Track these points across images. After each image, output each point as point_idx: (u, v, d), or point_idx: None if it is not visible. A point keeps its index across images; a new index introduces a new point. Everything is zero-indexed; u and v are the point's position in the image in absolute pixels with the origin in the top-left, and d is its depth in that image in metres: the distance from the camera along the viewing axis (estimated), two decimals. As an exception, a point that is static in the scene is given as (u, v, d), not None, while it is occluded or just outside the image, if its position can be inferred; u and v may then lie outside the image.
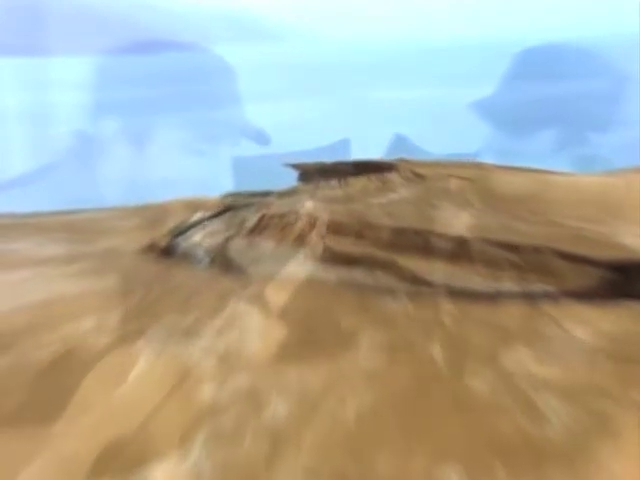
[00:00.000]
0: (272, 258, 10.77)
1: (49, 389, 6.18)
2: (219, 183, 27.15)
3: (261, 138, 31.87)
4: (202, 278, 8.90)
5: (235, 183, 28.70)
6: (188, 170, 29.12)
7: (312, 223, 11.59)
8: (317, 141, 32.33)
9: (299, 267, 10.04)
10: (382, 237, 10.31)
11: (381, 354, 6.33)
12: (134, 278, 8.69)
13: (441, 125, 33.16)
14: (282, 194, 14.89)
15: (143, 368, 6.27)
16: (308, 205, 12.61)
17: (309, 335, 6.73)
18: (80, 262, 9.48)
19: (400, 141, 32.15)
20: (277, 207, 12.76)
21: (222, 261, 10.55)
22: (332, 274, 9.68)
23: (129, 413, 5.58)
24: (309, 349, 6.48)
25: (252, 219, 12.52)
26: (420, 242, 9.96)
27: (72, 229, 11.60)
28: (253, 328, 6.96)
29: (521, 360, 6.14)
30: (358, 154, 29.86)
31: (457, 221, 10.18)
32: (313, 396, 5.61)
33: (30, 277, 8.80)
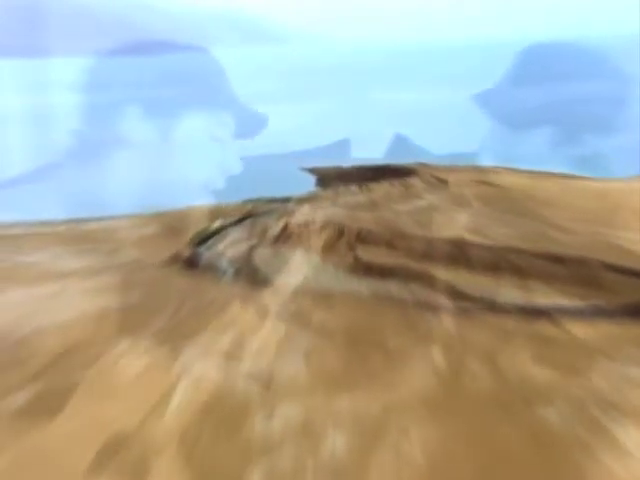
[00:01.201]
0: (300, 269, 10.26)
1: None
2: (219, 183, 26.70)
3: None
4: (232, 292, 8.38)
5: (235, 183, 28.29)
6: (187, 170, 28.67)
7: (339, 232, 11.08)
8: (317, 141, 32.00)
9: (330, 279, 9.55)
10: (415, 247, 9.82)
11: (437, 378, 5.82)
12: (162, 293, 8.21)
13: (441, 125, 32.75)
14: (302, 200, 14.38)
15: (183, 397, 5.76)
16: (333, 213, 12.10)
17: (357, 357, 6.24)
18: (103, 276, 8.99)
19: (400, 141, 31.76)
20: (300, 215, 12.23)
21: (248, 272, 10.03)
22: (365, 286, 9.20)
23: (171, 451, 5.09)
24: (359, 373, 5.98)
25: (275, 227, 12.02)
26: (455, 252, 9.46)
27: (90, 239, 11.13)
28: (296, 349, 6.44)
29: (591, 387, 5.63)
30: (358, 154, 29.53)
31: (492, 230, 9.68)
32: (372, 427, 5.12)
33: (53, 293, 8.30)
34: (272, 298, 8.15)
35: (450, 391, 5.66)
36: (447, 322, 7.10)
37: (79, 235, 11.57)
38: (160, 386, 5.98)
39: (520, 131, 30.70)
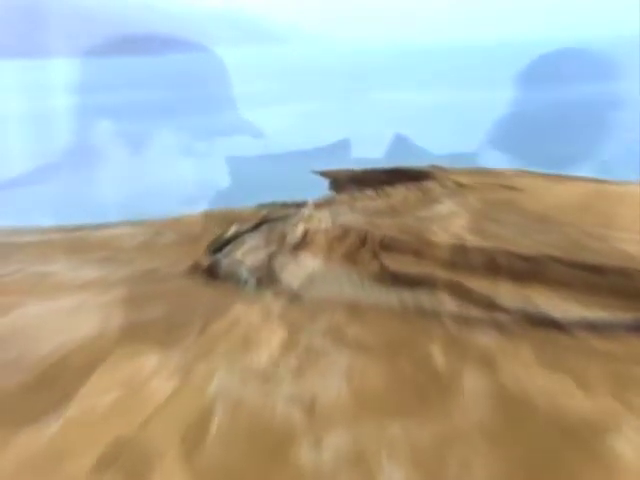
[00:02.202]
0: (323, 278, 9.89)
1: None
2: (219, 183, 26.38)
3: (255, 132, 31.15)
4: (259, 305, 7.96)
5: (236, 183, 27.98)
6: (187, 171, 28.31)
7: (362, 239, 10.70)
8: (317, 141, 31.80)
9: (357, 289, 9.18)
10: (443, 256, 9.44)
11: (492, 403, 5.44)
12: (186, 307, 7.81)
13: (441, 125, 32.58)
14: (318, 205, 13.99)
15: (222, 423, 5.38)
16: (353, 219, 11.72)
17: (401, 377, 5.84)
18: (122, 287, 8.60)
19: (400, 141, 31.50)
20: (319, 221, 11.83)
21: (270, 282, 9.64)
22: (394, 297, 8.83)
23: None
24: (407, 396, 5.59)
25: (293, 233, 11.64)
26: (485, 261, 9.08)
27: (103, 247, 10.74)
28: (336, 368, 6.05)
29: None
30: (358, 154, 29.33)
31: (522, 239, 9.29)
32: (431, 459, 4.73)
33: (74, 307, 7.91)
34: (301, 312, 7.72)
35: (508, 418, 5.28)
36: (488, 338, 6.69)
37: (92, 243, 11.17)
38: (196, 410, 5.58)
39: (520, 132, 30.37)
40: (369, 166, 19.67)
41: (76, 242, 11.28)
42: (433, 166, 16.15)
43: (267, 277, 10.19)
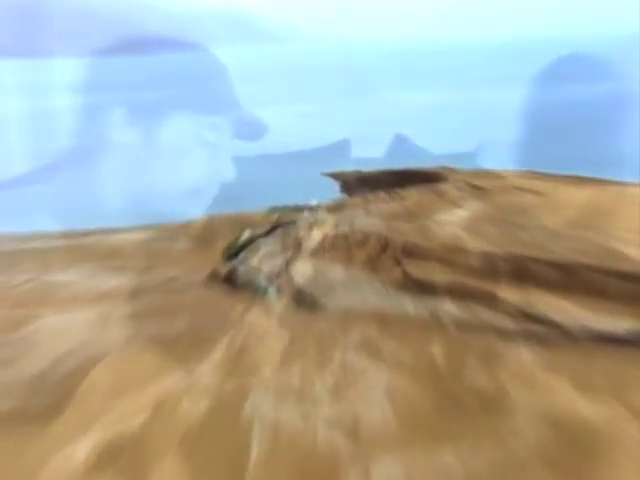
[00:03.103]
0: (345, 286, 9.52)
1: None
2: (218, 183, 26.03)
3: (258, 128, 30.83)
4: (284, 316, 7.60)
5: (235, 183, 27.64)
6: (187, 171, 27.94)
7: (383, 245, 10.34)
8: (317, 141, 31.51)
9: (381, 298, 8.82)
10: (469, 263, 9.06)
11: (546, 426, 5.08)
12: (210, 319, 7.47)
13: (441, 125, 32.29)
14: (331, 208, 13.64)
15: (261, 448, 5.01)
16: (371, 223, 11.37)
17: (447, 398, 5.50)
18: (143, 297, 8.24)
19: (400, 141, 31.20)
20: (336, 226, 11.46)
21: (290, 291, 9.27)
22: (422, 307, 8.47)
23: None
24: (456, 418, 5.23)
25: (309, 238, 11.28)
26: (515, 269, 8.71)
27: (117, 254, 10.38)
28: (375, 387, 5.69)
29: None
30: (358, 154, 29.04)
31: (550, 244, 8.94)
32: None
33: (95, 320, 7.55)
34: (329, 324, 7.36)
35: (565, 443, 4.92)
36: (530, 353, 6.33)
37: (103, 250, 10.81)
38: (234, 434, 5.22)
39: (521, 132, 30.05)
40: (369, 166, 19.34)
41: (87, 249, 10.92)
42: (444, 167, 15.79)
43: (286, 285, 9.82)
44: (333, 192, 18.30)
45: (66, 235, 12.29)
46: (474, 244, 9.35)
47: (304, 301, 9.29)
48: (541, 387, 5.65)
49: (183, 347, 6.75)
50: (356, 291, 9.34)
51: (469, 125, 29.82)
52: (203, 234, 11.84)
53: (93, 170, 26.85)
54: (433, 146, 29.22)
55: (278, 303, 8.64)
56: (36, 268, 9.63)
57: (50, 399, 5.74)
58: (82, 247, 10.84)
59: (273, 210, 14.57)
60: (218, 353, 6.62)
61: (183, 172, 27.50)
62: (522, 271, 8.70)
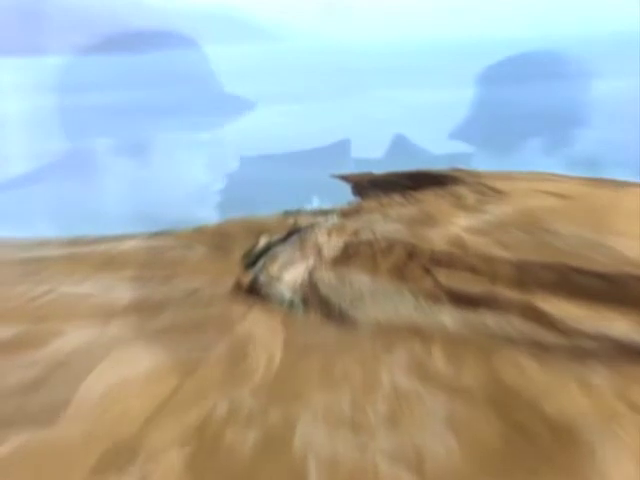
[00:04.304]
0: (373, 296, 9.05)
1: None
2: (218, 183, 25.62)
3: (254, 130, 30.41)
4: (318, 332, 7.12)
5: (235, 183, 27.24)
6: (186, 170, 27.46)
7: (409, 252, 9.87)
8: (317, 141, 31.14)
9: (414, 310, 8.36)
10: (504, 272, 8.62)
11: (634, 467, 4.60)
12: (243, 336, 6.98)
13: (441, 125, 31.94)
14: (346, 212, 13.18)
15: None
16: (394, 229, 10.90)
17: (516, 430, 5.04)
18: (168, 312, 7.75)
19: (400, 141, 30.89)
20: (355, 231, 10.99)
21: (317, 303, 8.79)
22: (458, 319, 8.01)
23: None
24: (529, 454, 4.77)
25: (330, 245, 10.82)
26: (555, 279, 8.26)
27: (134, 263, 9.87)
28: (434, 415, 5.22)
29: None
30: (358, 154, 28.71)
31: (589, 252, 8.49)
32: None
33: (119, 336, 7.05)
34: (365, 340, 6.89)
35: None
36: (597, 377, 5.86)
37: (117, 258, 10.31)
38: (288, 471, 4.73)
39: (518, 132, 29.72)
40: (369, 166, 19.00)
41: (99, 258, 10.42)
42: (456, 169, 15.39)
43: (312, 296, 9.36)
44: (333, 192, 17.98)
45: (75, 242, 11.79)
46: (506, 252, 8.90)
47: (332, 314, 8.82)
48: (621, 422, 5.17)
49: (220, 369, 6.27)
50: (386, 302, 8.89)
51: (469, 125, 29.46)
52: (217, 241, 11.35)
53: (91, 171, 26.33)
54: (433, 146, 28.92)
55: (307, 316, 8.13)
56: (52, 279, 9.14)
57: (79, 426, 5.22)
58: (94, 256, 10.33)
59: (287, 214, 14.09)
60: (256, 374, 6.13)
61: (184, 170, 27.04)
62: (563, 282, 8.25)
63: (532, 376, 5.76)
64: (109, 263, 10.00)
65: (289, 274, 10.03)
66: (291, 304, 9.06)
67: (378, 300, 8.88)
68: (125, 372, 6.08)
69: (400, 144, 30.97)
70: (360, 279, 9.52)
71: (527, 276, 8.39)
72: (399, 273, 9.35)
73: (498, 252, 8.82)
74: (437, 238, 9.86)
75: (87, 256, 10.53)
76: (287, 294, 9.35)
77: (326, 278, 9.58)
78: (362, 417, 5.29)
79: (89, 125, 26.35)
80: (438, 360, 6.18)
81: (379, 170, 16.99)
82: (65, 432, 5.37)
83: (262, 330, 7.13)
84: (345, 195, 16.73)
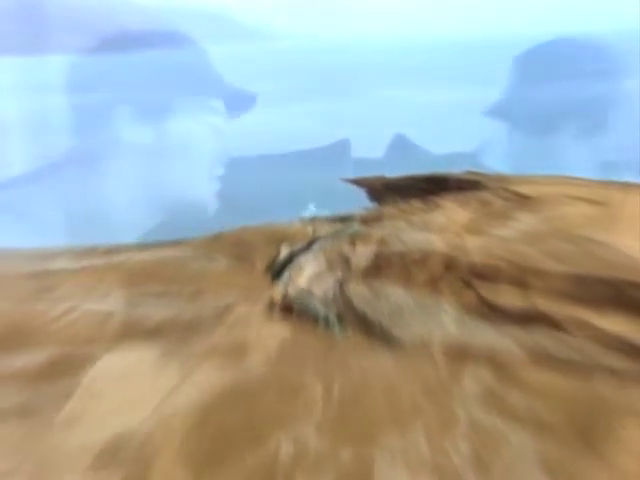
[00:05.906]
0: (412, 312, 8.49)
1: None
2: (218, 183, 25.10)
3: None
4: (371, 358, 6.55)
5: (235, 183, 26.72)
6: (189, 170, 26.88)
7: (446, 264, 9.31)
8: (317, 141, 30.69)
9: (460, 327, 7.78)
10: (553, 286, 8.07)
11: None
12: (289, 363, 6.32)
13: (441, 125, 31.56)
14: (366, 219, 12.60)
15: None
16: (424, 239, 10.36)
17: (616, 471, 4.43)
18: (203, 334, 7.12)
19: (400, 141, 30.53)
20: (381, 240, 10.43)
21: (354, 320, 8.22)
22: (507, 337, 7.44)
23: None
24: None
25: (357, 255, 10.27)
26: (609, 293, 7.72)
27: (158, 277, 9.24)
28: (524, 455, 4.67)
29: None
30: (358, 154, 28.29)
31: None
32: None
33: (156, 361, 6.43)
34: (427, 365, 6.32)
35: None
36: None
37: (140, 272, 9.68)
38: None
39: (523, 132, 29.33)
40: (369, 166, 18.60)
41: (119, 270, 9.77)
42: (472, 172, 14.88)
43: (347, 312, 8.78)
44: (333, 192, 17.67)
45: (88, 253, 11.10)
46: (550, 264, 8.35)
47: (373, 331, 8.26)
48: None
49: (274, 400, 5.66)
50: (427, 318, 8.32)
51: (469, 125, 29.10)
52: (237, 251, 10.76)
53: (93, 169, 25.76)
54: (433, 146, 28.60)
55: (346, 335, 7.55)
56: (71, 295, 8.48)
57: (122, 470, 4.60)
58: (113, 268, 9.69)
59: (304, 221, 13.51)
60: (317, 408, 5.51)
61: (183, 171, 26.52)
62: (618, 296, 7.72)
63: (610, 407, 5.18)
64: (130, 277, 9.35)
65: (319, 287, 9.45)
66: (326, 321, 8.47)
67: (416, 315, 8.32)
68: (167, 409, 5.45)
69: (400, 144, 30.70)
70: (395, 292, 8.95)
71: (582, 291, 7.85)
72: (436, 286, 8.77)
73: (548, 264, 8.25)
74: (473, 248, 9.26)
75: (104, 269, 9.87)
76: (321, 310, 8.77)
77: (360, 292, 8.99)
78: (445, 460, 4.70)
79: (89, 125, 25.67)
80: (510, 390, 5.59)
81: (379, 170, 16.45)
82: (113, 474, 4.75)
83: (311, 354, 6.49)
84: (345, 195, 16.26)
